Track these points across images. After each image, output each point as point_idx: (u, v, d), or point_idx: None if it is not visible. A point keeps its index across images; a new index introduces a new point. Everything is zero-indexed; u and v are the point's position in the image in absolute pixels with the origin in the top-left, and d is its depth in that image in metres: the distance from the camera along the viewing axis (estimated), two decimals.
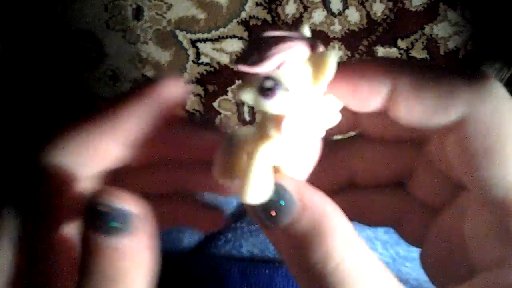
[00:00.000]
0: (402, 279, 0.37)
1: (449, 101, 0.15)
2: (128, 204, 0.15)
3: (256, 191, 0.14)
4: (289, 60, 0.13)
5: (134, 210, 0.15)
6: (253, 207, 0.14)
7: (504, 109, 0.15)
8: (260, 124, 0.14)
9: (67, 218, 0.19)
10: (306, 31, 0.14)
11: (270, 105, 0.13)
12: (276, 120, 0.13)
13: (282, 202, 0.14)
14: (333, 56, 0.13)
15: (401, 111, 0.15)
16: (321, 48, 0.13)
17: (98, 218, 0.15)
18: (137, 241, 0.16)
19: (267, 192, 0.14)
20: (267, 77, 0.13)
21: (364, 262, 0.14)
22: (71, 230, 0.19)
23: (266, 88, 0.13)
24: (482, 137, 0.15)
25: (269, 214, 0.14)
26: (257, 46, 0.13)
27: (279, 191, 0.14)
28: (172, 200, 0.20)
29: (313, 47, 0.13)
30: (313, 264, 0.14)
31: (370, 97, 0.15)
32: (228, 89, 0.55)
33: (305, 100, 0.13)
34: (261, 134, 0.14)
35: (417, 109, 0.15)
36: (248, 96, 0.13)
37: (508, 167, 0.15)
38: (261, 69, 0.13)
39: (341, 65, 0.14)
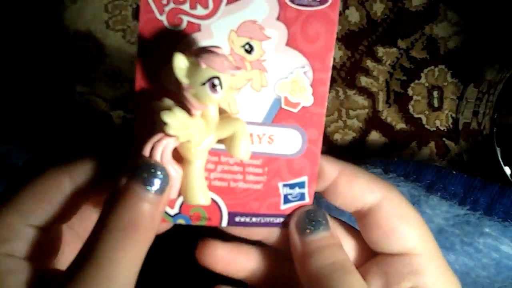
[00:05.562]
0: None
1: (374, 186, 0.22)
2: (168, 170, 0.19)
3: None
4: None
5: (171, 174, 0.19)
6: None
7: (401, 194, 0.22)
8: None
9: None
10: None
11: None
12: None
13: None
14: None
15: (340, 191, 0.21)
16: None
17: (145, 171, 0.18)
18: (164, 200, 0.17)
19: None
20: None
21: None
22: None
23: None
24: (396, 213, 0.21)
25: None
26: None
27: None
28: None
29: None
30: None
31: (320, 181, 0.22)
32: None
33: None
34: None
35: (353, 190, 0.21)
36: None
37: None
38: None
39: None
